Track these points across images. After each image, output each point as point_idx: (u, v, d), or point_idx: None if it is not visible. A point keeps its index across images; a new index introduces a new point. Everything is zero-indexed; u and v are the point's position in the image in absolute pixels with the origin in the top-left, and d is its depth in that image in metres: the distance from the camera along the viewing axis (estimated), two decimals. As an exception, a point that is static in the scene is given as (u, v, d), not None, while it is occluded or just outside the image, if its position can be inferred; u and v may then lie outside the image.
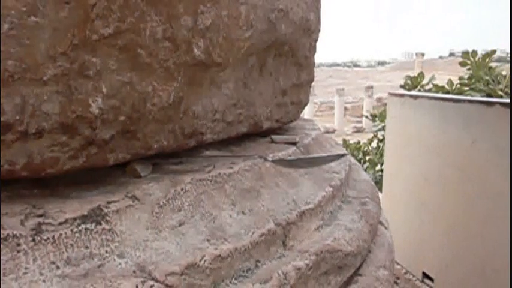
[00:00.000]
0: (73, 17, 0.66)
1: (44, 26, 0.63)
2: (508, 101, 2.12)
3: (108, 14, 0.70)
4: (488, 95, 5.48)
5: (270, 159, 0.96)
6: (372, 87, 18.33)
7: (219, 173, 0.92)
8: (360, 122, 17.48)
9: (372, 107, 17.48)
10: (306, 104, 1.60)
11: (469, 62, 6.17)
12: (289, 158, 1.01)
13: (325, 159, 1.09)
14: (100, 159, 0.78)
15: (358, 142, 6.96)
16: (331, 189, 1.17)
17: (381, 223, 1.46)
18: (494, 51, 6.15)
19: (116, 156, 0.80)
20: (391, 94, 3.18)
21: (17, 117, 0.64)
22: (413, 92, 3.15)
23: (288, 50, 1.34)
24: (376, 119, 7.07)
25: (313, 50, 1.52)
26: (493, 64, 5.81)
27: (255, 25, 1.06)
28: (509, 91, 4.52)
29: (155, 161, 0.93)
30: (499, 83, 5.56)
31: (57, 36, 0.65)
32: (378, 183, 5.87)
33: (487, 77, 5.68)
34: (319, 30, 1.56)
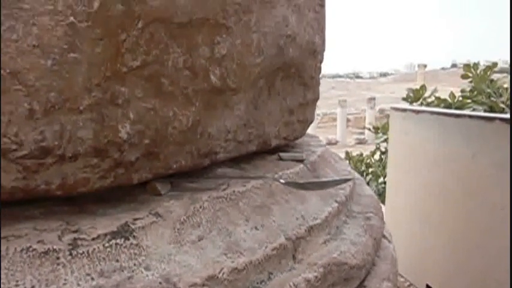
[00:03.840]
0: (106, 52, 0.73)
1: (82, 61, 0.70)
2: (508, 116, 2.19)
3: (137, 48, 0.77)
4: (491, 108, 5.55)
5: (283, 181, 1.03)
6: (374, 98, 18.41)
7: (234, 191, 0.99)
8: (363, 133, 17.51)
9: (374, 118, 17.52)
10: (311, 122, 1.66)
11: (470, 74, 6.24)
12: (300, 181, 1.08)
13: (332, 183, 1.17)
14: (126, 179, 0.85)
15: (361, 154, 7.01)
16: (337, 204, 1.24)
17: (384, 237, 1.52)
18: (495, 64, 6.20)
19: (139, 175, 0.87)
20: (393, 109, 3.25)
21: (56, 143, 0.71)
22: (415, 107, 3.22)
23: (295, 72, 1.41)
24: (379, 131, 7.11)
25: (318, 70, 1.60)
26: (496, 75, 5.88)
27: (265, 51, 1.13)
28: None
29: (173, 179, 0.99)
30: (500, 95, 5.62)
31: (93, 70, 0.72)
32: (381, 195, 5.91)
33: (489, 90, 5.74)
34: (324, 51, 1.64)
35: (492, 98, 5.61)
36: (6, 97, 0.66)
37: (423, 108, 3.07)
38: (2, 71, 0.65)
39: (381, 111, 19.42)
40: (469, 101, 6.00)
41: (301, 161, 1.40)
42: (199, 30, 0.88)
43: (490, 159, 2.20)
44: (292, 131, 1.51)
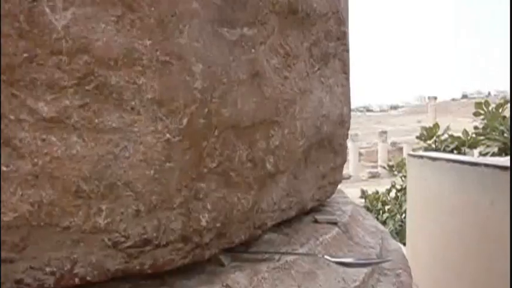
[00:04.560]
0: (192, 158, 0.91)
1: (175, 168, 0.88)
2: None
3: (214, 152, 0.95)
4: (504, 144, 5.66)
5: (333, 260, 1.18)
6: (385, 132, 18.50)
7: (286, 261, 1.15)
8: (375, 167, 17.51)
9: (386, 151, 17.50)
10: (340, 182, 1.83)
11: (482, 112, 6.37)
12: (345, 260, 1.24)
13: (374, 263, 1.33)
14: (200, 256, 1.01)
15: (377, 192, 7.09)
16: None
17: (412, 290, 1.65)
18: (506, 101, 6.34)
19: (210, 252, 1.04)
20: (410, 155, 3.40)
21: (155, 235, 0.88)
22: (431, 154, 3.38)
23: (327, 142, 1.58)
24: (394, 169, 7.19)
25: (346, 137, 1.77)
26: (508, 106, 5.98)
27: (306, 134, 1.31)
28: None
29: (233, 252, 1.15)
30: (513, 132, 5.69)
31: (183, 174, 0.90)
32: (398, 233, 5.97)
33: (502, 127, 5.85)
34: (350, 117, 1.81)
35: (505, 135, 5.72)
36: (119, 201, 0.83)
37: (439, 155, 3.22)
38: (117, 182, 0.82)
39: (393, 144, 19.43)
40: (482, 137, 6.12)
41: (335, 223, 1.55)
42: (258, 129, 1.07)
43: (507, 206, 2.33)
44: (324, 192, 1.67)
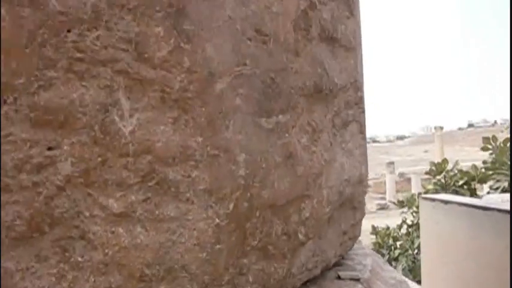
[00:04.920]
0: (238, 239, 1.02)
1: (223, 249, 0.99)
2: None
3: (255, 231, 1.06)
4: (513, 179, 5.69)
5: None
6: (393, 163, 18.49)
7: (319, 325, 1.24)
8: (384, 198, 17.43)
9: (394, 183, 17.44)
10: (359, 236, 1.92)
11: (490, 146, 6.45)
12: None
13: None
14: (242, 324, 1.11)
15: (388, 228, 7.11)
16: (394, 322, 1.47)
17: None
18: (514, 136, 6.39)
19: (250, 319, 1.13)
20: (422, 198, 3.48)
21: (204, 307, 0.98)
22: (443, 196, 3.46)
23: (348, 202, 1.68)
24: (404, 204, 7.22)
25: (364, 193, 1.87)
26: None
27: (332, 200, 1.42)
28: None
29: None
30: (522, 166, 5.74)
31: (230, 254, 1.00)
32: (411, 271, 5.97)
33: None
34: (368, 175, 1.92)
35: (514, 170, 5.77)
36: (176, 282, 0.94)
37: (451, 198, 3.30)
38: (175, 266, 0.93)
39: (401, 175, 19.38)
40: (491, 172, 6.18)
41: (357, 279, 1.64)
42: (291, 204, 1.18)
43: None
44: (345, 247, 1.76)
